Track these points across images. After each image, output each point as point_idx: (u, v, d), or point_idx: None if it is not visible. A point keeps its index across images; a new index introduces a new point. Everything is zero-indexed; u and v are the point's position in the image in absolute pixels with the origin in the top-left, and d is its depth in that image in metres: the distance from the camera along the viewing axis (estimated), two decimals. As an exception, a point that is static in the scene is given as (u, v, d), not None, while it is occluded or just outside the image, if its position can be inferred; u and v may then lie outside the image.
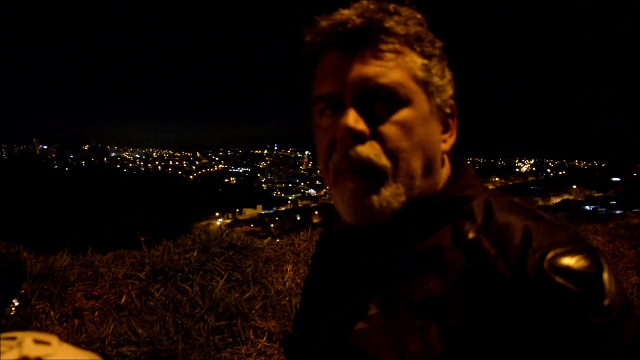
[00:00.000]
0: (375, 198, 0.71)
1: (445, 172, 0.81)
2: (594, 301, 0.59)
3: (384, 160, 0.71)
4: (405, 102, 0.72)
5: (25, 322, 2.72)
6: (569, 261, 0.62)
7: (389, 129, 0.72)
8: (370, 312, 0.74)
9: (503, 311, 0.62)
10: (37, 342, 0.56)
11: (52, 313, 2.83)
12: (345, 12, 0.73)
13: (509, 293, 0.63)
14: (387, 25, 0.72)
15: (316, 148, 0.80)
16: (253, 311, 2.86)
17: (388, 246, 0.77)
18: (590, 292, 0.60)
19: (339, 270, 0.86)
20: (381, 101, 0.72)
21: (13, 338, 0.55)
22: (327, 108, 0.76)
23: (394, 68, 0.72)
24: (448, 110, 0.80)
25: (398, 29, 0.72)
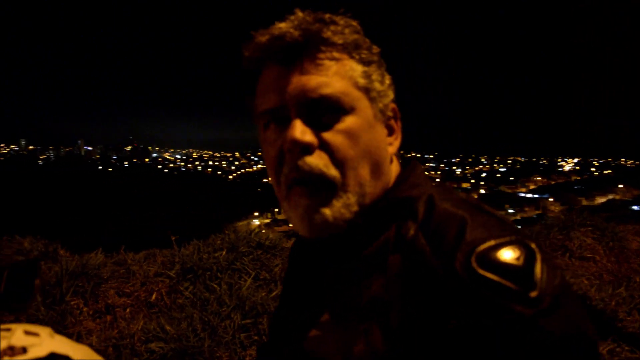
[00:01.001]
0: (327, 211, 0.72)
1: (394, 172, 0.81)
2: (520, 293, 0.58)
3: (333, 171, 0.72)
4: (349, 110, 0.73)
5: (61, 317, 2.82)
6: (497, 254, 0.61)
7: (335, 139, 0.72)
8: (322, 319, 0.75)
9: (438, 308, 0.61)
10: (27, 333, 0.60)
11: (85, 309, 2.92)
12: (283, 25, 0.73)
13: (442, 289, 0.62)
14: (325, 35, 0.72)
15: (265, 162, 0.81)
16: (279, 310, 2.89)
17: (341, 253, 0.78)
18: (517, 284, 0.58)
19: (303, 278, 0.88)
20: (325, 111, 0.72)
21: (8, 329, 0.60)
22: (272, 122, 0.76)
23: (335, 77, 0.73)
24: (391, 114, 0.81)
25: (336, 38, 0.73)
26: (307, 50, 0.73)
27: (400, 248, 0.70)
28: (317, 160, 0.72)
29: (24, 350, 0.58)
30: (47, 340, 0.60)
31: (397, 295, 0.66)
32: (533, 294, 0.58)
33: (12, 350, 0.57)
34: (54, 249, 3.53)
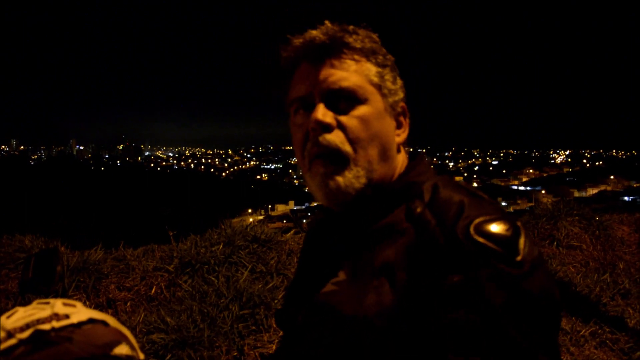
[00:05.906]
0: (340, 179, 0.87)
1: (402, 160, 0.97)
2: (508, 257, 0.73)
3: (347, 147, 0.88)
4: (363, 100, 0.89)
5: (63, 312, 2.90)
6: (490, 226, 0.76)
7: (350, 122, 0.88)
8: (339, 278, 0.89)
9: (439, 267, 0.76)
10: (65, 304, 0.73)
11: (87, 303, 3.01)
12: (314, 32, 0.91)
13: (444, 254, 0.76)
14: (346, 40, 0.90)
15: (293, 142, 0.96)
16: (275, 300, 2.99)
17: (355, 225, 0.92)
18: (505, 249, 0.74)
19: (320, 249, 1.02)
20: (344, 100, 0.89)
21: (47, 303, 0.73)
22: (301, 108, 0.93)
23: (353, 74, 0.90)
24: (400, 110, 0.97)
25: (356, 44, 0.91)
26: (332, 51, 0.90)
27: (410, 221, 0.85)
28: (335, 138, 0.88)
29: (66, 316, 0.70)
30: (84, 310, 0.73)
31: (405, 259, 0.81)
32: (518, 258, 0.73)
33: (57, 316, 0.69)
34: (55, 246, 3.60)
